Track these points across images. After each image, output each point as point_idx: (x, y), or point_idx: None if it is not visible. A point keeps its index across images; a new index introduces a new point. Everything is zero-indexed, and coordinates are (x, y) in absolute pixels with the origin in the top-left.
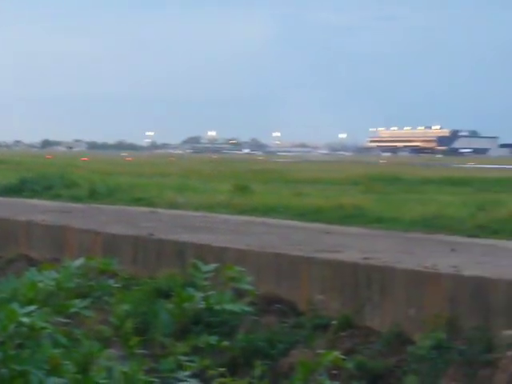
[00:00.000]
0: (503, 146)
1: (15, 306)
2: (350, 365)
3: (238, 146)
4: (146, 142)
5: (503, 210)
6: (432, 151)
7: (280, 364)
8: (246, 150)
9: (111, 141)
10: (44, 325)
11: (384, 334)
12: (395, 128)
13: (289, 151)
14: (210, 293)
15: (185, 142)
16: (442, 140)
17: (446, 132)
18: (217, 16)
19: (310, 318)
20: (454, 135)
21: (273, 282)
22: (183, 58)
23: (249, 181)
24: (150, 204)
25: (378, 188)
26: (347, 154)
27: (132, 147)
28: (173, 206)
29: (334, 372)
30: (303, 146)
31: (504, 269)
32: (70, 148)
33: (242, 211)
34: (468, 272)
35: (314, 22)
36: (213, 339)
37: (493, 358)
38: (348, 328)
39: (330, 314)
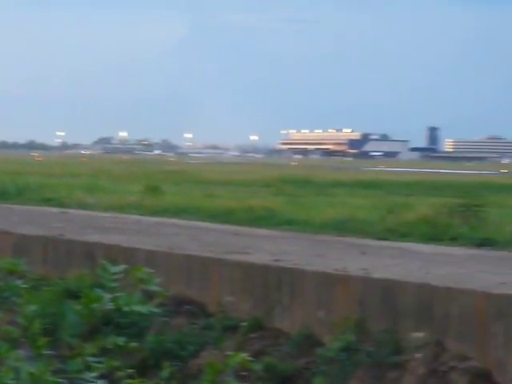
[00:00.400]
0: (414, 149)
1: None
2: (258, 366)
3: (150, 146)
4: (56, 141)
5: (412, 213)
6: (343, 154)
7: (189, 365)
8: (157, 151)
9: (22, 140)
10: None
11: (293, 335)
12: (306, 131)
13: (200, 153)
14: (118, 294)
15: (96, 143)
16: (353, 143)
17: (356, 135)
18: (129, 17)
19: (220, 319)
20: (365, 138)
21: (183, 284)
22: (95, 59)
23: (160, 182)
24: (61, 204)
25: (288, 190)
26: (258, 156)
27: (43, 147)
28: (83, 206)
29: (244, 374)
30: (214, 147)
31: (412, 272)
32: None
33: (153, 212)
34: (377, 275)
35: (227, 24)
36: (121, 340)
37: (401, 360)
38: (258, 330)
39: (240, 316)
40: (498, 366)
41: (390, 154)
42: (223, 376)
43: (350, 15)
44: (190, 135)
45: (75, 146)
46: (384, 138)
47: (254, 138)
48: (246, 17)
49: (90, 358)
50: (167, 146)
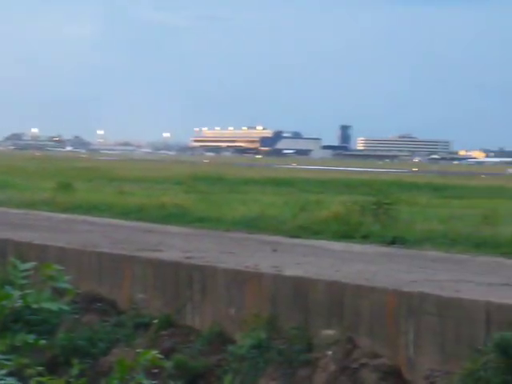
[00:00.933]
0: (326, 147)
1: None
2: (168, 364)
3: (61, 143)
4: None
5: (324, 211)
6: (255, 152)
7: (100, 363)
8: (69, 148)
9: None
10: None
11: (205, 333)
12: (219, 128)
13: (112, 149)
14: (28, 291)
15: (7, 139)
16: (265, 141)
17: (269, 133)
18: (39, 13)
19: (132, 316)
20: (278, 136)
21: (94, 281)
22: (5, 55)
23: (72, 178)
24: None
25: (200, 188)
26: (170, 153)
27: None
28: None
29: (155, 371)
30: (127, 144)
31: (324, 269)
32: None
33: (65, 209)
34: (289, 272)
35: (139, 21)
36: (30, 338)
37: (312, 357)
38: (169, 327)
39: (151, 313)
40: (408, 363)
41: (302, 152)
42: (133, 373)
43: (262, 12)
44: (101, 132)
45: None
46: (296, 135)
47: (166, 135)
48: (159, 14)
49: None
50: (79, 143)
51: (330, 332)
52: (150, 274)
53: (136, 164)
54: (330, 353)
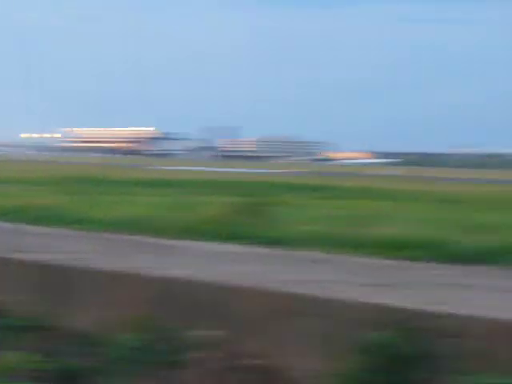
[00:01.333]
0: (207, 148)
1: None
2: (44, 367)
3: None
4: None
5: (201, 212)
6: (138, 152)
7: None
8: None
9: None
10: None
11: (80, 335)
12: (100, 128)
13: None
14: None
15: None
16: (146, 141)
17: (150, 133)
18: None
19: (7, 319)
20: (158, 136)
21: None
22: None
23: None
24: None
25: (77, 189)
26: (49, 153)
27: None
28: None
29: (33, 374)
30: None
31: (201, 270)
32: None
33: None
34: (164, 273)
35: (10, 20)
36: None
37: (186, 358)
38: (46, 330)
39: (27, 316)
40: (288, 364)
41: (184, 153)
42: (2, 377)
43: (138, 12)
44: None
45: None
46: (178, 136)
47: (45, 135)
48: (31, 14)
49: None
50: None
51: (207, 333)
52: (24, 275)
53: (6, 165)
54: (208, 354)
